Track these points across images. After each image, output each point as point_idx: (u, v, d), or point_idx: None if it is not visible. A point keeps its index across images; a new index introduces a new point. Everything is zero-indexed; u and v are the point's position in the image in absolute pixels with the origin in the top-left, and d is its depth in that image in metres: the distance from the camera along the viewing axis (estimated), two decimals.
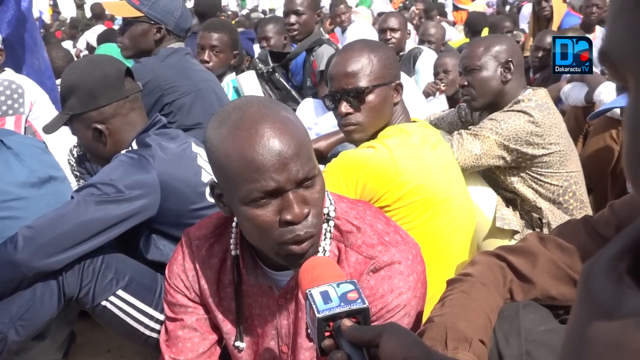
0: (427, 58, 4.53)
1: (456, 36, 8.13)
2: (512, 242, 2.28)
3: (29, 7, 3.72)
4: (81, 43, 8.78)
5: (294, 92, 3.91)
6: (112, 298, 1.86)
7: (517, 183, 2.38)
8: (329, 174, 1.84)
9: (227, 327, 1.42)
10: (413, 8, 9.51)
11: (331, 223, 1.31)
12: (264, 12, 16.74)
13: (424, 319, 1.32)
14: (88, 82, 1.94)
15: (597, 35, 5.09)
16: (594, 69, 3.52)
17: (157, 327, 1.90)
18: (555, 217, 2.36)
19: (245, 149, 1.13)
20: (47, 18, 14.53)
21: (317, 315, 0.97)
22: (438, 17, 9.77)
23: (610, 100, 2.87)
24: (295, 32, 3.80)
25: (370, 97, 1.90)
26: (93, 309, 1.87)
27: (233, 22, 9.38)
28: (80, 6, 14.22)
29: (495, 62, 2.39)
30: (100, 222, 1.78)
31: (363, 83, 1.89)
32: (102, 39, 6.47)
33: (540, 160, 2.32)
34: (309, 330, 1.33)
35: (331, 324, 0.98)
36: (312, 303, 0.98)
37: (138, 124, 2.00)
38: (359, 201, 1.47)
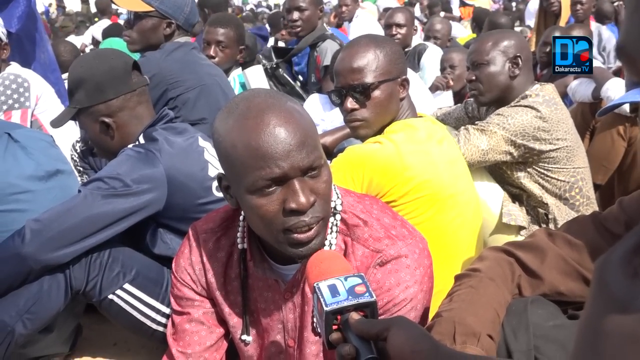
0: (432, 54, 4.53)
1: (462, 32, 8.10)
2: (518, 238, 2.28)
3: (34, 0, 3.73)
4: (87, 37, 8.79)
5: (298, 88, 3.91)
6: (119, 292, 1.87)
7: (523, 178, 2.38)
8: (335, 169, 1.84)
9: (234, 320, 1.43)
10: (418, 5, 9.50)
11: (338, 217, 1.32)
12: (269, 7, 16.74)
13: (430, 314, 1.32)
14: (95, 75, 1.94)
15: (593, 31, 5.08)
16: (600, 65, 3.51)
17: (164, 320, 1.91)
18: (561, 213, 2.36)
19: (251, 138, 1.14)
20: (52, 11, 14.56)
21: (325, 308, 0.97)
22: (443, 12, 9.74)
23: (619, 96, 2.86)
24: (299, 29, 3.80)
25: (376, 93, 1.90)
26: (100, 303, 1.88)
27: (239, 16, 9.37)
28: (85, 0, 14.24)
29: (504, 57, 2.38)
30: (107, 216, 1.79)
31: (369, 79, 1.88)
32: (107, 33, 6.48)
33: (547, 156, 2.31)
34: (315, 324, 1.33)
35: (339, 317, 0.98)
36: (320, 296, 0.99)
37: (145, 117, 2.00)
38: (366, 195, 1.47)
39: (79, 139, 2.66)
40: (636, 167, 2.93)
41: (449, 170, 1.92)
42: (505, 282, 1.27)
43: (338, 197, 1.33)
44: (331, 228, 1.31)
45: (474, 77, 2.44)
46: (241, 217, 1.38)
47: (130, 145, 1.94)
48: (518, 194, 2.43)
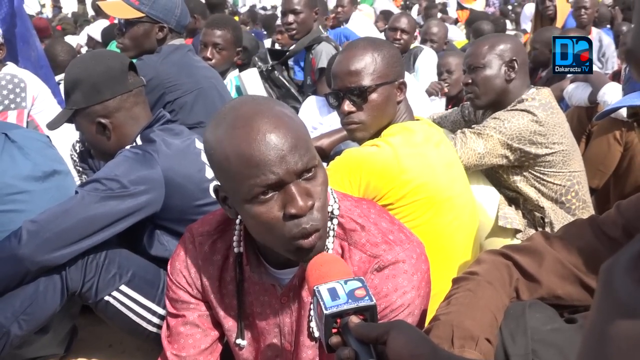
0: (427, 57, 4.55)
1: (458, 35, 8.13)
2: (515, 241, 2.28)
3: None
4: (82, 38, 8.75)
5: (293, 90, 3.91)
6: (115, 293, 1.87)
7: (520, 182, 2.38)
8: (332, 172, 1.84)
9: (229, 324, 1.42)
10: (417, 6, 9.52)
11: (335, 221, 1.31)
12: (264, 8, 16.73)
13: (428, 318, 1.32)
14: (92, 76, 1.94)
15: (594, 37, 5.10)
16: (595, 68, 3.52)
17: (160, 322, 1.90)
18: (557, 216, 2.36)
19: (242, 147, 1.13)
20: (48, 12, 14.52)
21: (325, 311, 0.97)
22: (440, 14, 9.76)
23: (615, 100, 2.87)
24: (294, 31, 3.81)
25: (373, 96, 1.90)
26: (96, 304, 1.88)
27: (236, 18, 9.37)
28: (81, 1, 14.22)
29: (500, 60, 2.39)
30: (104, 217, 1.78)
31: (366, 82, 1.89)
32: (108, 34, 6.43)
33: (543, 160, 2.32)
34: (312, 328, 1.33)
35: (338, 320, 0.98)
36: (320, 299, 0.98)
37: (142, 118, 2.00)
38: (363, 199, 1.47)
39: (78, 140, 2.65)
40: (632, 171, 2.94)
41: (446, 173, 1.93)
42: (503, 285, 1.27)
43: (335, 202, 1.33)
44: (328, 233, 1.30)
45: (470, 81, 2.44)
46: (237, 221, 1.37)
47: (127, 147, 1.93)
48: (514, 198, 2.44)
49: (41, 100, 3.11)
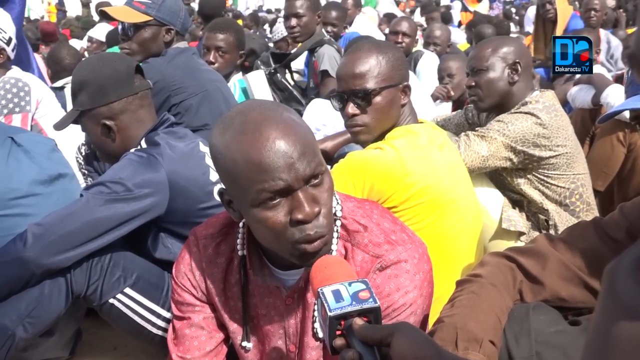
0: (428, 61, 4.56)
1: (462, 38, 8.12)
2: (518, 244, 2.28)
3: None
4: (85, 42, 8.77)
5: (296, 93, 3.92)
6: (119, 296, 1.87)
7: (523, 185, 2.38)
8: (336, 175, 1.84)
9: (234, 326, 1.43)
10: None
11: (338, 222, 1.31)
12: (269, 11, 16.76)
13: (431, 320, 1.32)
14: (98, 78, 1.95)
15: (602, 39, 5.09)
16: (605, 70, 3.52)
17: (164, 325, 1.91)
18: (561, 219, 2.36)
19: (251, 153, 1.13)
20: (49, 17, 14.53)
21: (329, 313, 0.97)
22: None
23: (618, 102, 2.87)
24: (297, 35, 3.82)
25: (378, 99, 1.90)
26: (100, 307, 1.88)
27: (240, 21, 9.37)
28: (86, 5, 14.26)
29: (503, 63, 2.39)
30: (109, 220, 1.79)
31: (370, 85, 1.89)
32: (112, 39, 6.44)
33: (547, 162, 2.32)
34: (315, 330, 1.33)
35: (342, 322, 0.98)
36: (324, 302, 0.99)
37: (147, 121, 2.01)
38: (366, 200, 1.47)
39: (84, 142, 2.66)
40: (636, 173, 2.94)
41: (449, 176, 1.93)
42: (507, 287, 1.28)
43: (338, 203, 1.33)
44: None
45: (473, 83, 2.44)
46: (241, 224, 1.38)
47: (132, 150, 1.94)
48: (519, 200, 2.44)
49: (45, 104, 3.12)
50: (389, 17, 8.30)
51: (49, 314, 1.80)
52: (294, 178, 1.13)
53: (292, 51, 4.13)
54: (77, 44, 7.78)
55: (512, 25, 9.87)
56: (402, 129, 1.93)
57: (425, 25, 8.79)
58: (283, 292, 1.35)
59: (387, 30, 7.17)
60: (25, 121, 2.99)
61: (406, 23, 4.61)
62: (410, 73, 2.71)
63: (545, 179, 2.35)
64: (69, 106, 3.80)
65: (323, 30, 4.00)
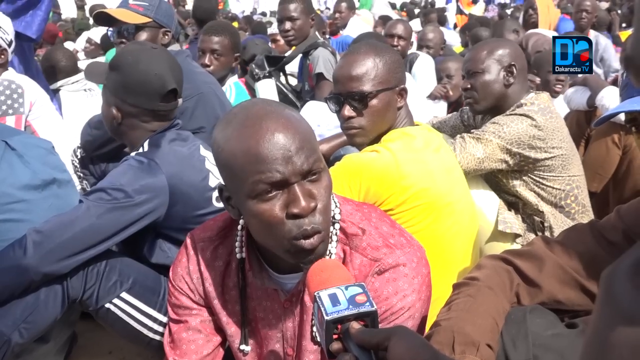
0: (423, 63, 4.57)
1: (456, 40, 8.13)
2: (514, 246, 2.29)
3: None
4: (79, 44, 8.75)
5: (291, 96, 3.92)
6: (115, 300, 1.86)
7: (519, 187, 2.39)
8: (332, 177, 1.83)
9: (232, 329, 1.42)
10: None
11: (337, 226, 1.31)
12: (263, 13, 16.75)
13: (428, 323, 1.32)
14: (131, 75, 1.96)
15: (592, 40, 5.12)
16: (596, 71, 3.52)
17: (160, 329, 1.90)
18: (557, 220, 2.36)
19: (250, 145, 1.14)
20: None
21: (326, 317, 0.97)
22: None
23: (613, 104, 2.88)
24: (291, 38, 3.82)
25: (374, 102, 1.90)
26: (96, 312, 1.87)
27: (235, 24, 9.37)
28: (81, 7, 14.22)
29: (499, 65, 2.40)
30: (109, 227, 1.79)
31: (367, 87, 1.89)
32: (109, 41, 6.43)
33: (543, 164, 2.32)
34: (314, 333, 1.33)
35: (339, 326, 0.98)
36: (321, 305, 0.98)
37: (155, 130, 2.02)
38: (364, 203, 1.47)
39: (79, 145, 2.66)
40: (631, 175, 2.94)
41: (445, 179, 1.93)
42: (504, 290, 1.28)
43: (336, 206, 1.33)
44: (330, 237, 1.30)
45: (469, 86, 2.45)
46: (239, 227, 1.37)
47: (133, 154, 1.94)
48: (514, 202, 2.44)
49: (39, 107, 3.10)
50: (384, 20, 8.30)
51: (45, 319, 1.79)
52: (290, 171, 1.14)
53: (287, 54, 4.12)
54: (70, 46, 7.76)
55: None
56: (398, 131, 1.93)
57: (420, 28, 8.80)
58: (281, 296, 1.35)
59: (382, 33, 7.18)
60: (19, 123, 2.98)
61: (401, 26, 4.62)
62: (407, 75, 2.71)
63: (540, 180, 2.35)
64: (65, 109, 3.81)
65: (317, 32, 4.00)
